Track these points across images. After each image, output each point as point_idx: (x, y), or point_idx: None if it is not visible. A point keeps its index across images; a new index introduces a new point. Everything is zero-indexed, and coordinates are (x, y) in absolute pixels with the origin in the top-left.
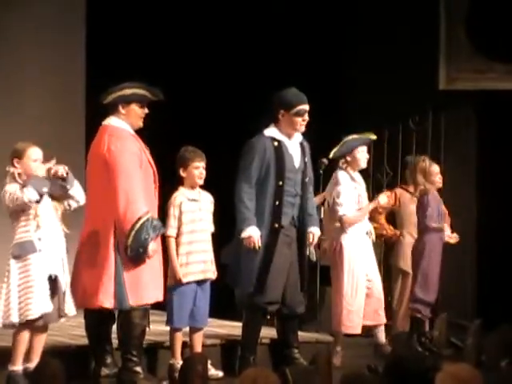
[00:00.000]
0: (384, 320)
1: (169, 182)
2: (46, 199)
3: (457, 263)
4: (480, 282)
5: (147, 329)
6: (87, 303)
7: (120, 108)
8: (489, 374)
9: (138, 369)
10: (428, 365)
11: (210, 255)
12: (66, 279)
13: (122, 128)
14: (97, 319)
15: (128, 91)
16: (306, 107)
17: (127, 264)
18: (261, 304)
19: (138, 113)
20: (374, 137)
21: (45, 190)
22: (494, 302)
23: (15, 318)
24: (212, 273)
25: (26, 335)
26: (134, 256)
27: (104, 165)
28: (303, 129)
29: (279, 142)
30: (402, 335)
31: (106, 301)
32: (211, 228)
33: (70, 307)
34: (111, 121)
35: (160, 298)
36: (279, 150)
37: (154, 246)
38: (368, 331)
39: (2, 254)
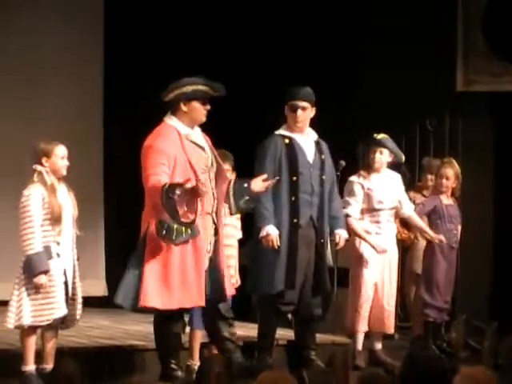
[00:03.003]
0: (389, 330)
1: None
2: (66, 204)
3: (474, 265)
4: (497, 284)
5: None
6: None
7: (181, 105)
8: (506, 377)
9: (178, 373)
10: (445, 367)
11: (234, 261)
12: (76, 285)
13: (173, 126)
14: (165, 320)
15: (189, 88)
16: (298, 103)
17: (149, 266)
18: (275, 304)
19: (199, 109)
20: (379, 136)
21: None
22: (511, 305)
23: (27, 321)
24: (236, 280)
25: (33, 335)
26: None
27: (142, 161)
28: (300, 125)
29: (290, 138)
30: (420, 338)
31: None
32: (238, 235)
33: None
34: (167, 118)
35: (186, 304)
36: (290, 146)
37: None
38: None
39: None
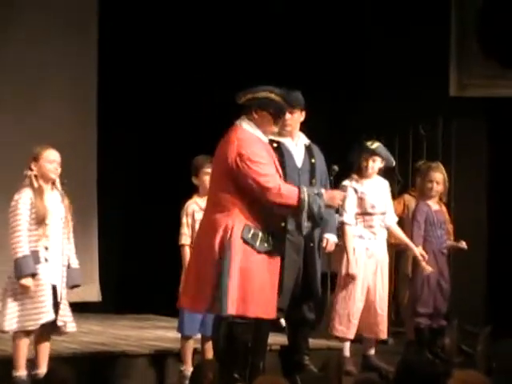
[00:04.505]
0: (383, 336)
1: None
2: (56, 210)
3: (467, 270)
4: (491, 289)
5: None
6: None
7: (253, 112)
8: (499, 381)
9: None
10: (438, 372)
11: None
12: (64, 291)
13: (251, 132)
14: (237, 327)
15: (262, 94)
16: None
17: (236, 271)
18: None
19: (269, 119)
20: (373, 146)
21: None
22: (504, 309)
23: (10, 326)
24: None
25: (25, 340)
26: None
27: (231, 169)
28: (288, 129)
29: (278, 142)
30: (414, 343)
31: (200, 304)
32: None
33: (68, 322)
34: (242, 122)
35: (261, 315)
36: (278, 150)
37: (333, 194)
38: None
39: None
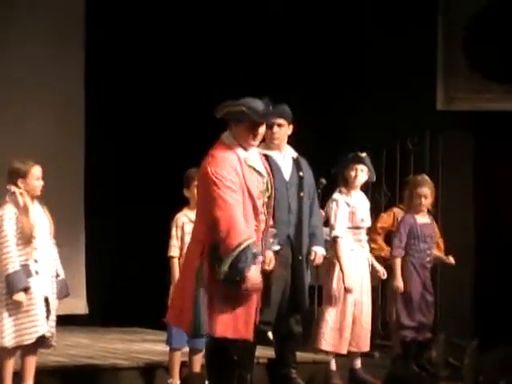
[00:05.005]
0: (366, 348)
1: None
2: (41, 221)
3: (455, 282)
4: (478, 301)
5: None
6: (174, 322)
7: (232, 125)
8: None
9: None
10: None
11: None
12: (54, 302)
13: (229, 148)
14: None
15: (236, 108)
16: (275, 119)
17: (214, 291)
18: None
19: (245, 133)
20: (362, 154)
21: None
22: (491, 322)
23: (8, 342)
24: None
25: (13, 357)
26: (228, 283)
27: (202, 187)
28: (276, 142)
29: (266, 155)
30: (400, 356)
31: (183, 325)
32: None
33: (55, 335)
34: (224, 137)
35: (228, 335)
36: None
37: (255, 278)
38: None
39: None
